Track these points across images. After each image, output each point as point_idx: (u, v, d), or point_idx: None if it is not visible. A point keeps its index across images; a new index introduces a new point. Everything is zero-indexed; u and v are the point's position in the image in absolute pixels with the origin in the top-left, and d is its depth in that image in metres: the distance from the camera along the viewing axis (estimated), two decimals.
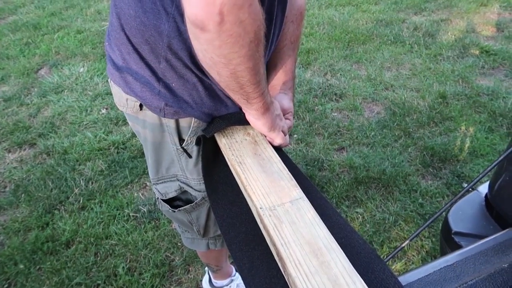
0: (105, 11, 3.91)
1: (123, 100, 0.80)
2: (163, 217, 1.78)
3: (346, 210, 1.79)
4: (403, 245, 0.89)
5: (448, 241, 0.97)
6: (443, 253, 1.04)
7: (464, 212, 1.00)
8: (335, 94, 2.56)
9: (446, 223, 1.00)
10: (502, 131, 2.19)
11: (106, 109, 2.54)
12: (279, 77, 0.90)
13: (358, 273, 0.51)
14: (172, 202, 0.96)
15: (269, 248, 0.60)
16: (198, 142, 0.81)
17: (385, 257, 1.19)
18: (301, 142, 2.18)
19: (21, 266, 1.60)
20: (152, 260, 1.60)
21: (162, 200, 0.96)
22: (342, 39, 3.20)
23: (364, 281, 0.50)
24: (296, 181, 0.66)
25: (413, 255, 1.59)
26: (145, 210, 1.82)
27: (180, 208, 0.94)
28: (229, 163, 0.74)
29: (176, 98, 0.74)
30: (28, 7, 4.09)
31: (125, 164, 2.07)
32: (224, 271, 1.42)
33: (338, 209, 1.80)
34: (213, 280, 1.46)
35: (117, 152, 2.16)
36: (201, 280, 1.53)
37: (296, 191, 0.64)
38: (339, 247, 0.54)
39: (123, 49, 0.74)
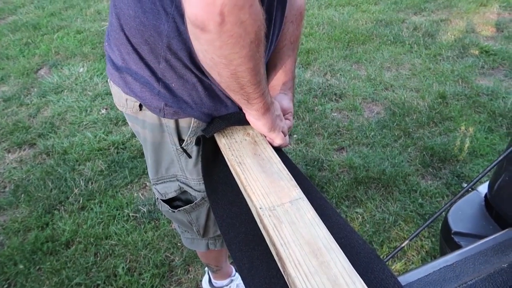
0: (104, 11, 3.91)
1: (123, 100, 0.80)
2: (163, 217, 1.78)
3: (346, 210, 1.80)
4: (403, 245, 0.89)
5: (447, 241, 0.98)
6: (443, 253, 1.04)
7: (463, 212, 1.01)
8: (335, 94, 2.57)
9: (445, 223, 1.00)
10: (501, 131, 2.19)
11: (106, 109, 2.54)
12: (279, 78, 0.90)
13: (358, 273, 0.51)
14: (172, 202, 0.96)
15: (269, 248, 0.60)
16: (197, 142, 0.81)
17: (385, 257, 1.19)
18: (301, 142, 2.18)
19: (21, 266, 1.60)
20: (152, 260, 1.60)
21: (162, 200, 0.96)
22: (342, 39, 3.20)
23: (364, 281, 0.50)
24: (296, 181, 0.66)
25: (413, 255, 1.59)
26: (145, 210, 1.82)
27: (180, 208, 0.94)
28: (228, 163, 0.74)
29: (176, 98, 0.74)
30: (28, 7, 4.09)
31: (125, 164, 2.07)
32: (224, 271, 1.42)
33: (338, 209, 1.80)
34: (213, 280, 1.46)
35: (117, 152, 2.16)
36: (201, 280, 1.53)
37: (296, 191, 0.64)
38: (338, 247, 0.54)
39: (122, 49, 0.74)
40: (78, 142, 2.23)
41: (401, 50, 3.01)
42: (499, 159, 0.81)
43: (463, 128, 2.23)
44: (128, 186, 1.96)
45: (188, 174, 0.87)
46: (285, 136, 0.80)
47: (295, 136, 2.23)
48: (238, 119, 0.77)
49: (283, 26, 0.84)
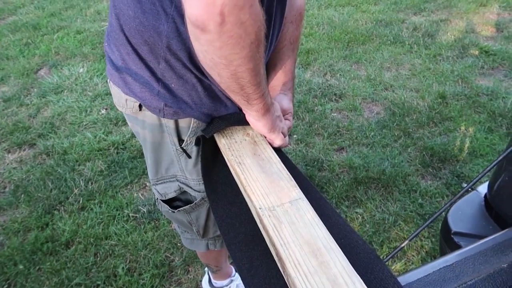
0: (104, 11, 3.91)
1: (123, 101, 0.80)
2: (163, 218, 1.78)
3: (346, 210, 1.80)
4: (403, 245, 0.89)
5: (447, 241, 0.98)
6: (443, 253, 1.04)
7: (463, 212, 1.01)
8: (335, 94, 2.57)
9: (445, 223, 1.00)
10: (501, 131, 2.19)
11: (106, 109, 2.54)
12: (279, 78, 0.90)
13: (358, 273, 0.51)
14: (172, 203, 0.96)
15: (269, 249, 0.60)
16: (197, 143, 0.81)
17: (385, 257, 1.19)
18: (300, 143, 2.18)
19: (21, 267, 1.60)
20: (152, 261, 1.60)
21: (162, 200, 0.96)
22: (342, 39, 3.20)
23: (364, 281, 0.50)
24: (296, 181, 0.66)
25: (413, 255, 1.59)
26: (145, 210, 1.82)
27: (180, 209, 0.94)
28: (228, 164, 0.74)
29: (176, 99, 0.74)
30: (28, 8, 4.09)
31: (125, 165, 2.07)
32: (224, 271, 1.42)
33: (337, 209, 1.80)
34: (212, 280, 1.46)
35: (117, 153, 2.16)
36: (200, 281, 1.54)
37: (296, 192, 0.64)
38: (338, 247, 0.54)
39: (122, 50, 0.74)
40: (78, 142, 2.24)
41: (401, 50, 3.02)
42: (499, 159, 0.81)
43: (463, 128, 2.23)
44: (128, 187, 1.96)
45: (188, 174, 0.87)
46: (285, 136, 0.80)
47: (295, 136, 2.23)
48: (238, 119, 0.77)
49: (282, 26, 0.84)
